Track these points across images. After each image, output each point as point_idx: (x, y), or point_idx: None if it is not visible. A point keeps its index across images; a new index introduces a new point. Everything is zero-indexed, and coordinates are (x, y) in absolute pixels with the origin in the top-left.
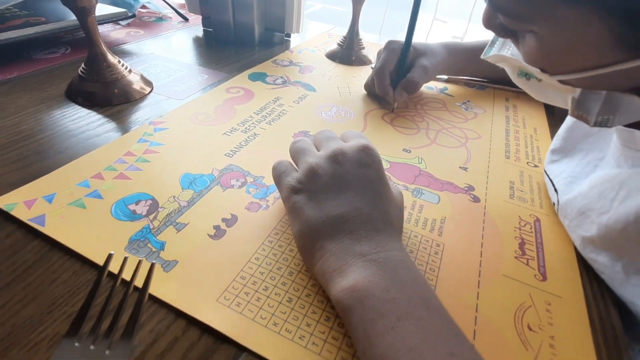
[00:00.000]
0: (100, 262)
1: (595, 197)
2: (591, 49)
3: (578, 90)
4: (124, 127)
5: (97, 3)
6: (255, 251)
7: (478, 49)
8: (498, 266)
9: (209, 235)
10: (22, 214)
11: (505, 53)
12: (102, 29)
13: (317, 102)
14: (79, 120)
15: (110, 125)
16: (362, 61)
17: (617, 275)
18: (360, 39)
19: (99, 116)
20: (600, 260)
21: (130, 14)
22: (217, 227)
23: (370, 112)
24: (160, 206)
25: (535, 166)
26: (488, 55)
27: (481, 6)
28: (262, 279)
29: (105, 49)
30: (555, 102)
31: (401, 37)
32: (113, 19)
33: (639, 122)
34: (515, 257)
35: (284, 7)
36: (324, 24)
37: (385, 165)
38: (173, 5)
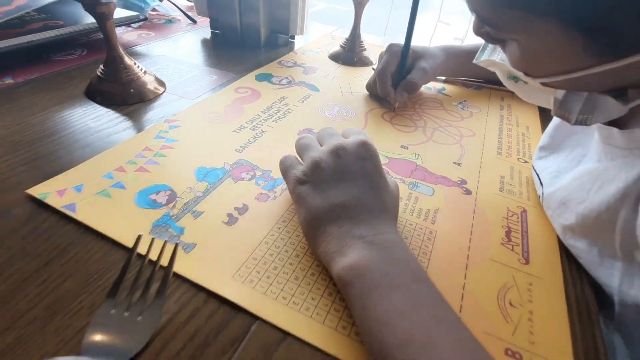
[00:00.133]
0: (128, 245)
1: (575, 188)
2: (563, 55)
3: (562, 92)
4: (140, 125)
5: (115, 9)
6: (265, 236)
7: (474, 52)
8: (485, 251)
9: (223, 222)
10: (55, 202)
11: (495, 58)
12: (116, 31)
13: (320, 102)
14: (99, 118)
15: (128, 123)
16: (364, 62)
17: (593, 259)
18: (362, 41)
19: (117, 114)
20: (578, 246)
21: (142, 17)
22: (230, 215)
23: (371, 111)
24: (178, 196)
25: (525, 162)
26: (480, 60)
27: None
28: (271, 260)
29: (122, 51)
30: (540, 102)
31: (403, 38)
32: (126, 22)
33: (616, 120)
34: (502, 244)
35: (288, 10)
36: (327, 26)
37: (383, 160)
38: (182, 8)
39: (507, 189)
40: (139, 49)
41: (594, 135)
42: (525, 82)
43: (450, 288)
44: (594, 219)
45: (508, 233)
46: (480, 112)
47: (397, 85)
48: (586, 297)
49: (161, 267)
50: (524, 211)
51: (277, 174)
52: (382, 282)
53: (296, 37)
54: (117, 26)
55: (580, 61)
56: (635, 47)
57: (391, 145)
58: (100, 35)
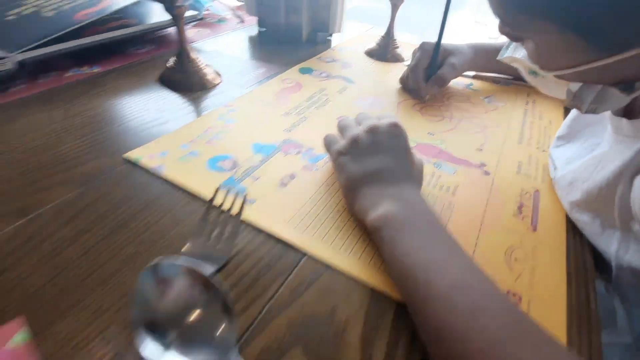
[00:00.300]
0: (206, 197)
1: (582, 170)
2: (567, 52)
3: (577, 84)
4: (205, 108)
5: (187, 10)
6: (311, 196)
7: (500, 49)
8: (497, 219)
9: (277, 185)
10: (147, 164)
11: (517, 55)
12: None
13: (356, 93)
14: (172, 101)
15: (195, 106)
16: (397, 59)
17: (596, 230)
18: (395, 39)
19: (185, 99)
20: (583, 219)
21: (199, 17)
22: (282, 180)
23: (403, 102)
24: (239, 164)
25: (544, 151)
26: (503, 57)
27: None
28: (317, 213)
29: (189, 46)
30: (557, 94)
31: (436, 37)
32: (186, 22)
33: (629, 111)
34: (513, 215)
35: (328, 10)
36: (362, 24)
37: (411, 144)
38: (232, 8)
39: (523, 172)
40: (196, 45)
41: (607, 127)
42: (543, 76)
43: (463, 246)
44: (596, 194)
45: (520, 207)
46: (505, 106)
47: (429, 79)
48: (585, 261)
49: (231, 215)
50: (537, 191)
51: (319, 151)
52: (405, 226)
53: (335, 34)
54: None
55: (581, 57)
56: (625, 46)
57: (419, 132)
58: (164, 32)
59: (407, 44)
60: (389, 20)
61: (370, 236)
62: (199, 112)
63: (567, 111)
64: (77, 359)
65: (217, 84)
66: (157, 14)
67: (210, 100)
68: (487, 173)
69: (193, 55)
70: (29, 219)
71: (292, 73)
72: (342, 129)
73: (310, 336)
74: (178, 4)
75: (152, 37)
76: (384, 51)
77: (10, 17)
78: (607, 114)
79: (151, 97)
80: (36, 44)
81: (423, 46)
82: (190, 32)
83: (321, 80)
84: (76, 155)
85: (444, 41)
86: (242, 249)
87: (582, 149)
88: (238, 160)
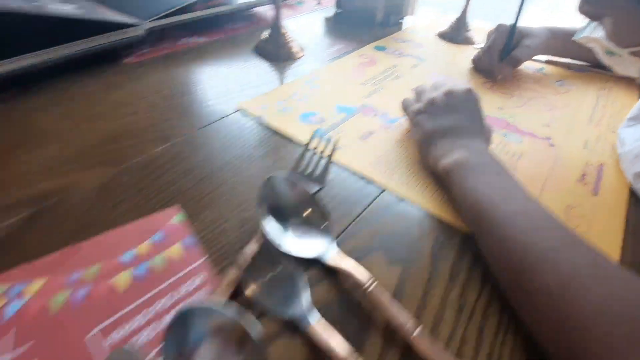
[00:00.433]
0: (300, 142)
1: None
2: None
3: None
4: (292, 75)
5: None
6: (387, 149)
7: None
8: (559, 183)
9: (358, 138)
10: (253, 112)
11: (596, 35)
12: (263, 9)
13: (427, 71)
14: (264, 68)
15: (284, 73)
16: (468, 42)
17: None
18: (467, 23)
19: (275, 67)
20: None
21: None
22: (362, 134)
23: (473, 82)
24: (325, 119)
25: (613, 132)
26: (579, 37)
27: None
28: (393, 161)
29: (280, 21)
30: (632, 73)
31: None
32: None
33: None
34: (576, 181)
35: None
36: (434, 8)
37: None
38: None
39: (590, 148)
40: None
41: None
42: (620, 55)
43: None
44: None
45: (583, 176)
46: (577, 90)
47: (503, 60)
48: None
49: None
50: (602, 164)
51: (394, 115)
52: (475, 168)
53: (407, 17)
54: (267, 5)
55: None
56: None
57: (488, 107)
58: (253, 11)
59: (479, 29)
60: (464, 3)
61: (441, 181)
62: (287, 79)
63: None
64: (218, 236)
65: (301, 57)
66: None
67: (296, 70)
68: (552, 145)
69: (283, 30)
70: (170, 144)
71: (367, 50)
72: (419, 93)
73: (389, 245)
74: None
75: (245, 15)
76: (456, 34)
77: None
78: None
79: (247, 64)
80: (162, 14)
81: (499, 27)
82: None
83: (394, 57)
84: (193, 104)
85: (519, 24)
86: (331, 181)
87: None
88: (324, 117)
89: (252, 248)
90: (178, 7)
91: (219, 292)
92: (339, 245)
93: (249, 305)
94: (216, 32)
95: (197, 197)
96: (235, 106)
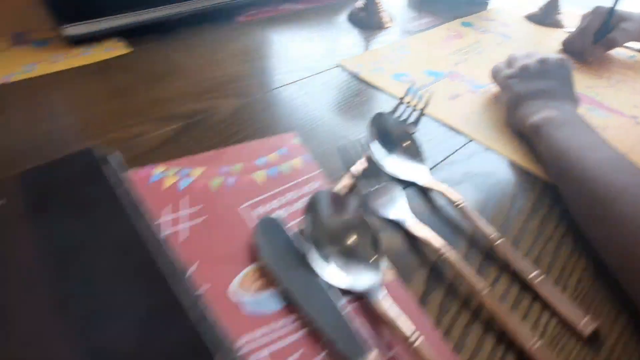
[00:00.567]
0: (395, 95)
1: None
2: None
3: None
4: (383, 42)
5: None
6: (473, 110)
7: None
8: None
9: (446, 98)
10: (350, 68)
11: None
12: None
13: (513, 49)
14: (358, 34)
15: (376, 39)
16: (557, 25)
17: None
18: (559, 5)
19: (367, 34)
20: None
21: None
22: (450, 96)
23: None
24: (415, 80)
25: None
26: None
27: None
28: (481, 120)
29: None
30: None
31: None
32: None
33: None
34: None
35: None
36: None
37: None
38: None
39: None
40: None
41: None
42: None
43: None
44: None
45: None
46: None
47: (596, 42)
48: None
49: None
50: None
51: (480, 82)
52: (563, 124)
53: None
54: None
55: None
56: None
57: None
58: None
59: (570, 13)
60: None
61: (527, 139)
62: (378, 45)
63: None
64: (329, 158)
65: (389, 27)
66: None
67: (386, 38)
68: (638, 123)
69: (377, 1)
70: (282, 86)
71: (454, 25)
72: (511, 60)
73: (475, 181)
74: None
75: None
76: (546, 16)
77: None
78: None
79: (342, 30)
80: None
81: (596, 10)
82: None
83: (480, 33)
84: (298, 58)
85: (618, 7)
86: (422, 129)
87: None
88: (415, 79)
89: (361, 165)
90: None
91: (337, 191)
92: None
93: (359, 205)
94: (313, 0)
95: (309, 127)
96: (334, 63)
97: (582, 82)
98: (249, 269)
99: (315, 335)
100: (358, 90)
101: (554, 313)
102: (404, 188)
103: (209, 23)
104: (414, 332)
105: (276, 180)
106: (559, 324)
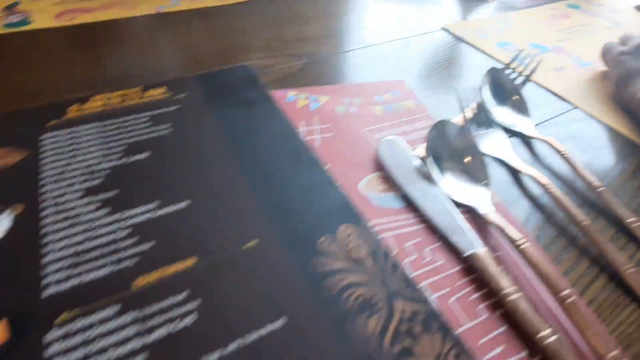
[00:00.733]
0: (501, 62)
1: None
2: None
3: None
4: (485, 13)
5: None
6: (580, 82)
7: None
8: None
9: (551, 70)
10: (456, 32)
11: None
12: None
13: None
14: (457, 4)
15: (477, 10)
16: None
17: None
18: None
19: (469, 5)
20: None
21: None
22: (554, 68)
23: None
24: (520, 50)
25: None
26: None
27: None
28: (586, 92)
29: None
30: None
31: None
32: None
33: None
34: None
35: None
36: None
37: None
38: None
39: None
40: None
41: None
42: None
43: None
44: None
45: None
46: None
47: None
48: None
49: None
50: None
51: (586, 60)
52: None
53: None
54: None
55: None
56: None
57: None
58: None
59: None
60: None
61: (636, 114)
62: (479, 15)
63: None
64: (438, 105)
65: (494, 1)
66: None
67: (487, 10)
68: None
69: None
70: (359, 50)
71: (560, 5)
72: (626, 38)
73: (579, 142)
74: None
75: None
76: None
77: None
78: None
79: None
80: None
81: None
82: None
83: (588, 16)
84: (404, 17)
85: None
86: (527, 93)
87: None
88: (519, 47)
89: (472, 110)
90: None
91: None
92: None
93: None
94: None
95: (417, 78)
96: (437, 27)
97: None
98: (374, 175)
99: (432, 229)
100: (463, 53)
101: None
102: (510, 137)
103: None
104: (521, 237)
105: (392, 114)
106: None
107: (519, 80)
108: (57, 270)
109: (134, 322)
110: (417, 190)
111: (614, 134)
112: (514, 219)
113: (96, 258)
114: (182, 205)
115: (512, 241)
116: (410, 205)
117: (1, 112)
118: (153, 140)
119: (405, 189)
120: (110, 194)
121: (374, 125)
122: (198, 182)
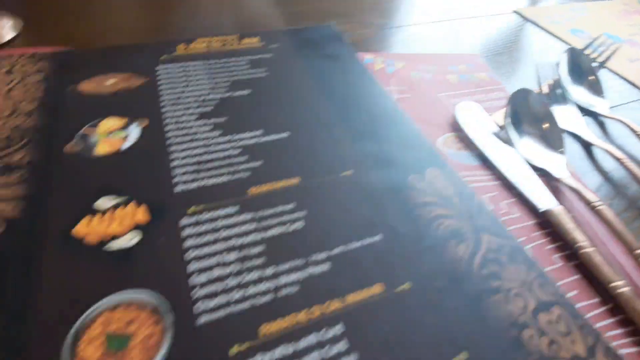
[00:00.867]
0: (574, 45)
1: None
2: None
3: None
4: (556, 0)
5: None
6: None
7: None
8: None
9: (625, 59)
10: (525, 16)
11: None
12: None
13: None
14: None
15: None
16: None
17: None
18: None
19: None
20: None
21: None
22: (631, 58)
23: None
24: (595, 38)
25: None
26: None
27: None
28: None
29: None
30: None
31: None
32: None
33: None
34: None
35: None
36: None
37: None
38: None
39: None
40: None
41: None
42: None
43: None
44: None
45: None
46: None
47: None
48: None
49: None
50: None
51: None
52: None
53: None
54: None
55: None
56: None
57: None
58: None
59: None
60: None
61: None
62: (550, 2)
63: None
64: (513, 80)
65: None
66: None
67: (556, 1)
68: None
69: None
70: (431, 25)
71: (632, 2)
72: None
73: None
74: None
75: None
76: None
77: None
78: None
79: None
80: None
81: None
82: None
83: None
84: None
85: None
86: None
87: None
88: (593, 37)
89: (548, 86)
90: None
91: None
92: None
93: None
94: None
95: (491, 54)
96: (509, 9)
97: None
98: (450, 134)
99: (507, 187)
100: (536, 36)
101: None
102: (583, 115)
103: None
104: (597, 200)
105: (467, 83)
106: None
107: (594, 65)
108: (184, 173)
109: (252, 220)
110: (493, 150)
111: None
112: (586, 186)
113: (215, 168)
114: (283, 135)
115: (587, 203)
116: (486, 163)
117: (123, 43)
118: (253, 80)
119: (482, 149)
120: (221, 119)
121: (449, 91)
122: (296, 118)
